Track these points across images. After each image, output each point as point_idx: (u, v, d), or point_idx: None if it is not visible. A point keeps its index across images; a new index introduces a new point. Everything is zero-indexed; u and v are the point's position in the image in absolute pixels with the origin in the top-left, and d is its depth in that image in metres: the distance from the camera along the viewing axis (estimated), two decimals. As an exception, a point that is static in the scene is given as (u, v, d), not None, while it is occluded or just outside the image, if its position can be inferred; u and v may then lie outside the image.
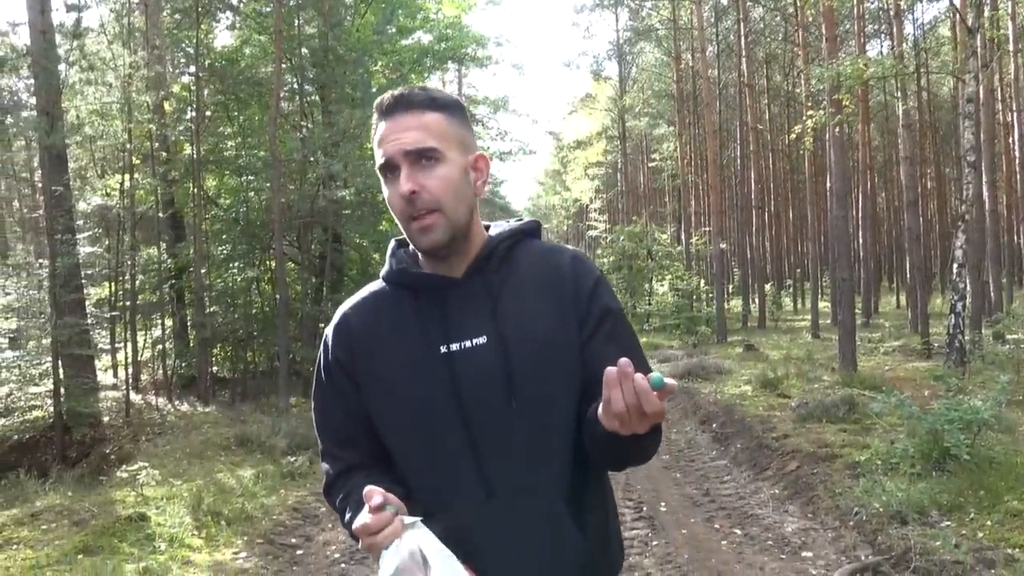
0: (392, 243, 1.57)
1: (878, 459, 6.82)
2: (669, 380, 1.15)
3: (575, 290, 1.46)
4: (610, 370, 1.15)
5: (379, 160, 1.39)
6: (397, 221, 1.42)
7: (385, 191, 1.41)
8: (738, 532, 5.98)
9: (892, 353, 15.83)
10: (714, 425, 9.96)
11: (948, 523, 5.42)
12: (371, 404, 1.45)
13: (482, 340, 1.41)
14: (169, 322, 14.80)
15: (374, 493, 1.24)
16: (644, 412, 1.14)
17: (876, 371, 12.89)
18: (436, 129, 1.39)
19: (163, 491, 6.82)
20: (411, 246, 1.50)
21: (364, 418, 1.46)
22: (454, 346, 1.41)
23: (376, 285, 1.53)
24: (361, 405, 1.46)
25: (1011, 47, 20.01)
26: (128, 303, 13.30)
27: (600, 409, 1.20)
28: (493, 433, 1.39)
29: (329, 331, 1.52)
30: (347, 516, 1.41)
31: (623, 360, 1.14)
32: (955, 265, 11.07)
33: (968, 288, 11.02)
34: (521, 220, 1.57)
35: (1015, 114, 19.95)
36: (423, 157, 1.37)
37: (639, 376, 1.14)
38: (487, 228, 1.53)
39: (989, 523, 5.28)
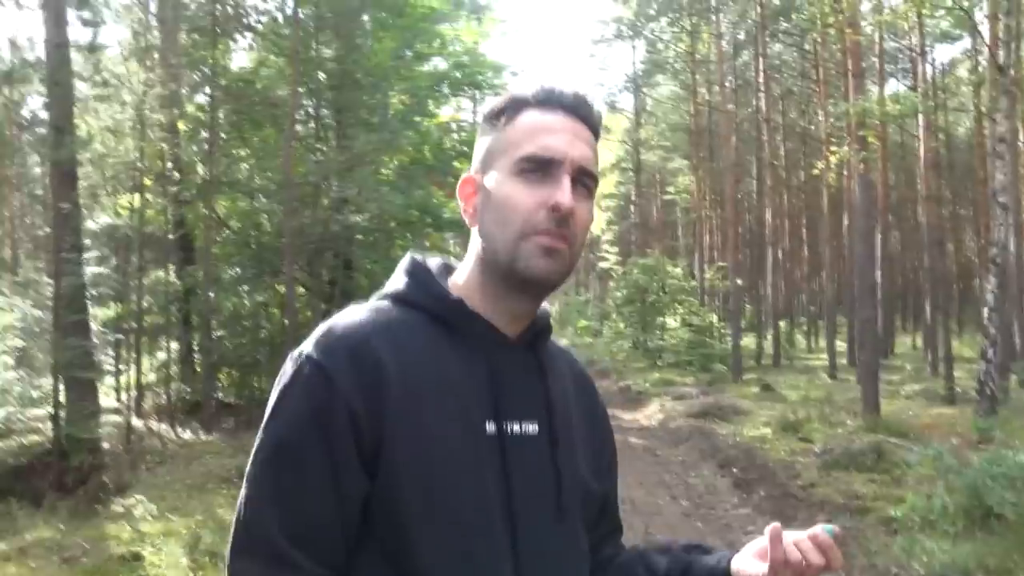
0: (410, 258, 1.17)
1: (915, 515, 6.45)
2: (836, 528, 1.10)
3: (602, 413, 1.28)
4: (775, 528, 1.08)
5: (532, 149, 1.06)
6: (498, 230, 1.07)
7: (506, 186, 1.07)
8: (769, 591, 5.61)
9: (914, 397, 15.44)
10: (734, 469, 9.57)
11: (998, 590, 5.06)
12: (393, 491, 0.99)
13: (533, 428, 1.09)
14: (175, 345, 14.53)
15: None
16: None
17: (900, 416, 12.50)
18: (597, 160, 1.13)
19: (160, 527, 6.49)
20: (435, 268, 1.16)
21: (359, 511, 1.00)
22: (506, 426, 1.06)
23: (393, 310, 1.10)
24: (362, 491, 0.99)
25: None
26: (134, 325, 13.04)
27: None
28: (541, 553, 1.07)
29: (324, 356, 1.01)
30: None
31: (821, 533, 1.09)
32: (986, 309, 10.73)
33: (998, 333, 10.66)
34: None
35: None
36: (584, 183, 1.09)
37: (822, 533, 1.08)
38: None
39: (1043, 591, 4.92)
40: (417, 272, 1.13)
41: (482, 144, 1.14)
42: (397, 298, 1.11)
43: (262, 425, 1.03)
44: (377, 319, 1.07)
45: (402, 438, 0.99)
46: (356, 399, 0.98)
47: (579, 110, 1.10)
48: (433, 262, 1.18)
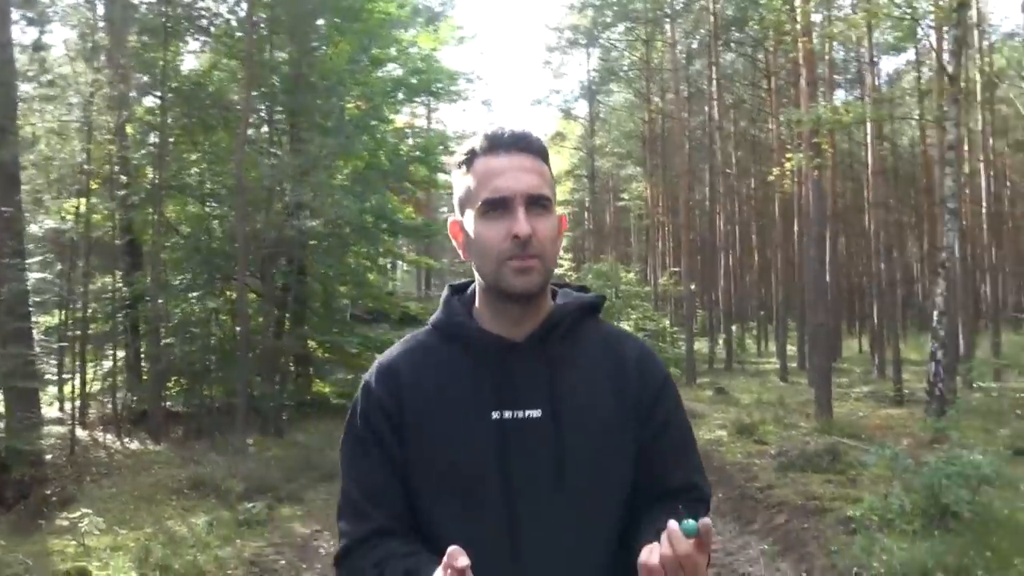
0: (446, 290, 1.52)
1: (873, 514, 6.51)
2: (703, 521, 1.08)
3: (639, 388, 1.42)
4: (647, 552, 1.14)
5: (487, 194, 1.33)
6: (481, 261, 1.36)
7: (477, 226, 1.35)
8: (731, 593, 5.62)
9: (864, 399, 15.72)
10: (693, 473, 9.60)
11: (956, 587, 5.11)
12: (412, 461, 1.37)
13: (536, 413, 1.35)
14: (122, 353, 14.11)
15: (459, 555, 1.10)
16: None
17: (852, 418, 12.72)
18: (548, 179, 1.38)
19: (107, 540, 6.25)
20: (467, 293, 1.48)
21: (400, 474, 1.37)
22: (507, 414, 1.34)
23: (423, 335, 1.47)
24: (399, 458, 1.37)
25: (979, 97, 20.39)
26: (79, 332, 12.62)
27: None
28: (537, 514, 1.32)
29: (370, 376, 1.44)
30: None
31: (671, 525, 1.12)
32: (935, 312, 10.95)
33: (946, 336, 10.88)
34: (586, 292, 1.50)
35: (982, 163, 20.25)
36: (539, 204, 1.34)
37: (671, 525, 1.11)
38: (553, 294, 1.47)
39: (1000, 588, 4.98)
40: (446, 302, 1.48)
41: (456, 190, 1.42)
42: (433, 325, 1.46)
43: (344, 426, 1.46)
44: (409, 345, 1.46)
45: (412, 422, 1.36)
46: (385, 400, 1.38)
47: (519, 144, 1.36)
48: (471, 288, 1.49)
